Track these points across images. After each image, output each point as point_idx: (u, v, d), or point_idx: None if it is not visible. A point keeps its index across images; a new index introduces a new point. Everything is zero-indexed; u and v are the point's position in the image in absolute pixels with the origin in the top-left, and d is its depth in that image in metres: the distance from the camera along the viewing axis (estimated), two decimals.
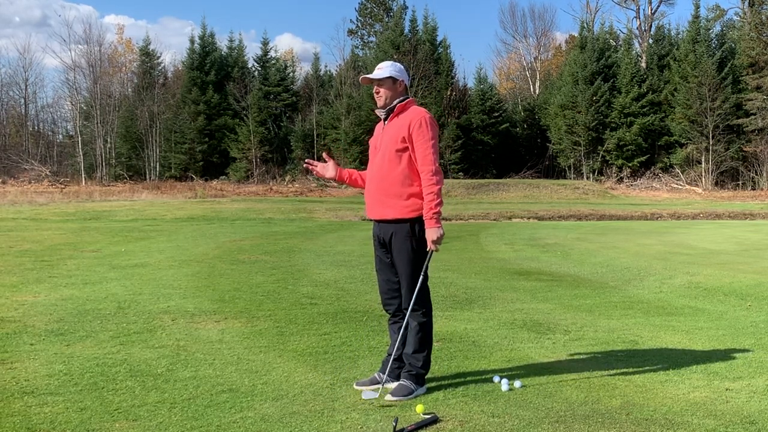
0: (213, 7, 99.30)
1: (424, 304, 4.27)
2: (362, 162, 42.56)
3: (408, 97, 4.34)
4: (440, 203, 4.14)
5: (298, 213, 22.94)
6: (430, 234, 4.14)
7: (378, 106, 4.34)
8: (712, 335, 5.83)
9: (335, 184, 44.40)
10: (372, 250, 4.52)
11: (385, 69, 4.30)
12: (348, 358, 4.97)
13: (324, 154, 4.67)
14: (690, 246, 13.37)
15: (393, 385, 4.26)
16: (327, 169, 4.57)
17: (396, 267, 4.28)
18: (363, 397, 4.01)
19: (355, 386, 4.29)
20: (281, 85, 50.08)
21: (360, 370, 4.64)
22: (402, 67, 4.38)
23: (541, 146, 49.60)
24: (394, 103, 4.29)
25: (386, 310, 4.43)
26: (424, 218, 4.16)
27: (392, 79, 4.27)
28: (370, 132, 4.52)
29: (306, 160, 4.69)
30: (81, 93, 50.14)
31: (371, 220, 4.39)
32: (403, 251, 4.21)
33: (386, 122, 4.32)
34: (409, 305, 4.23)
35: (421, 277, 4.22)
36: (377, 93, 4.31)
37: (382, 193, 4.24)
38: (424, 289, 4.27)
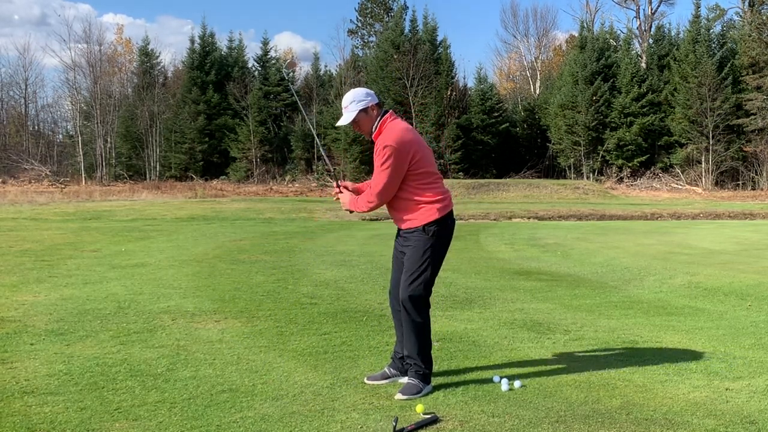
0: (211, 5, 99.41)
1: (418, 303, 4.26)
2: (362, 162, 42.54)
3: (383, 115, 4.32)
4: (365, 209, 4.35)
5: (298, 213, 22.94)
6: (349, 198, 4.44)
7: (366, 137, 4.44)
8: (712, 335, 5.83)
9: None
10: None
11: (350, 108, 4.30)
12: (348, 358, 4.97)
13: (342, 184, 4.60)
14: (690, 246, 13.36)
15: (404, 380, 4.33)
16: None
17: (404, 260, 4.34)
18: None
19: (366, 381, 4.38)
20: (281, 85, 50.08)
21: (360, 370, 4.65)
22: (363, 91, 4.34)
23: (541, 146, 49.59)
24: (373, 128, 4.32)
25: (391, 307, 4.51)
26: (358, 194, 4.47)
27: (362, 112, 4.30)
28: (370, 133, 4.53)
29: (340, 185, 4.61)
30: (81, 93, 50.21)
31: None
32: (416, 246, 4.28)
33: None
34: (404, 299, 4.25)
35: (423, 277, 4.24)
36: (359, 131, 4.41)
37: (393, 214, 4.43)
38: (427, 287, 4.29)
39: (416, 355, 4.25)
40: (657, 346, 5.41)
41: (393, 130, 4.23)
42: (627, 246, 13.29)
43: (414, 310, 4.25)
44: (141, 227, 16.63)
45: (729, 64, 42.01)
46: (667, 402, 4.05)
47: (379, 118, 4.31)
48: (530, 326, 6.11)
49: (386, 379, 4.40)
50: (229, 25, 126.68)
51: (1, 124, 57.00)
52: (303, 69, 60.99)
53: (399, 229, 4.46)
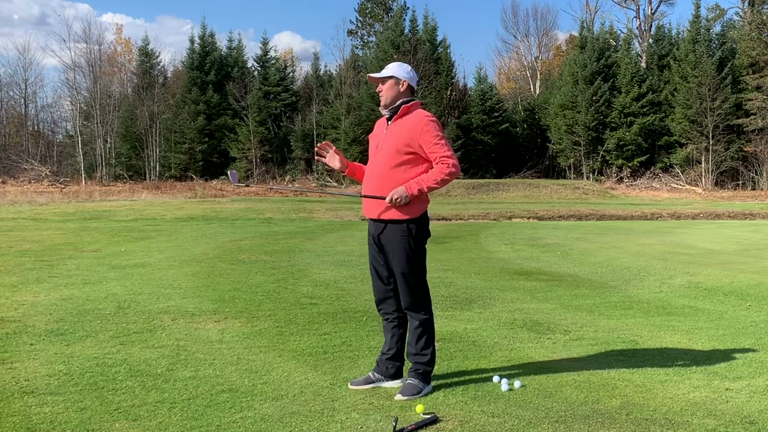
0: (211, 5, 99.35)
1: (424, 303, 4.27)
2: (362, 161, 42.25)
3: (414, 99, 4.30)
4: (432, 188, 4.11)
5: (298, 213, 22.94)
6: (399, 191, 4.09)
7: (381, 104, 4.32)
8: (712, 335, 5.83)
9: (335, 183, 44.47)
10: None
11: (388, 69, 4.28)
12: (348, 358, 4.97)
13: (326, 146, 4.55)
14: (690, 246, 13.37)
15: (389, 384, 4.29)
16: (333, 160, 4.53)
17: (392, 267, 4.25)
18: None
19: (349, 386, 4.31)
20: (281, 84, 50.09)
21: (360, 370, 4.64)
22: (409, 68, 4.32)
23: (541, 146, 49.59)
24: (398, 103, 4.25)
25: (378, 310, 4.43)
26: (409, 182, 4.13)
27: (394, 79, 4.24)
28: (369, 132, 4.49)
29: (319, 145, 4.56)
30: (81, 93, 50.20)
31: (367, 218, 4.37)
32: (399, 251, 4.19)
33: (390, 122, 4.29)
34: (408, 305, 4.23)
35: (424, 273, 4.24)
36: (379, 91, 4.30)
37: (380, 192, 4.21)
38: (423, 288, 4.27)
39: (419, 354, 4.22)
40: (657, 346, 5.41)
41: (423, 111, 4.25)
42: (627, 246, 13.29)
43: (421, 311, 4.24)
44: (141, 227, 16.63)
45: (729, 64, 42.03)
46: (667, 402, 4.05)
47: (408, 99, 4.27)
48: (530, 326, 6.10)
49: (369, 383, 4.30)
50: (229, 25, 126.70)
51: (1, 124, 56.96)
52: (303, 69, 60.99)
53: (371, 224, 4.30)
